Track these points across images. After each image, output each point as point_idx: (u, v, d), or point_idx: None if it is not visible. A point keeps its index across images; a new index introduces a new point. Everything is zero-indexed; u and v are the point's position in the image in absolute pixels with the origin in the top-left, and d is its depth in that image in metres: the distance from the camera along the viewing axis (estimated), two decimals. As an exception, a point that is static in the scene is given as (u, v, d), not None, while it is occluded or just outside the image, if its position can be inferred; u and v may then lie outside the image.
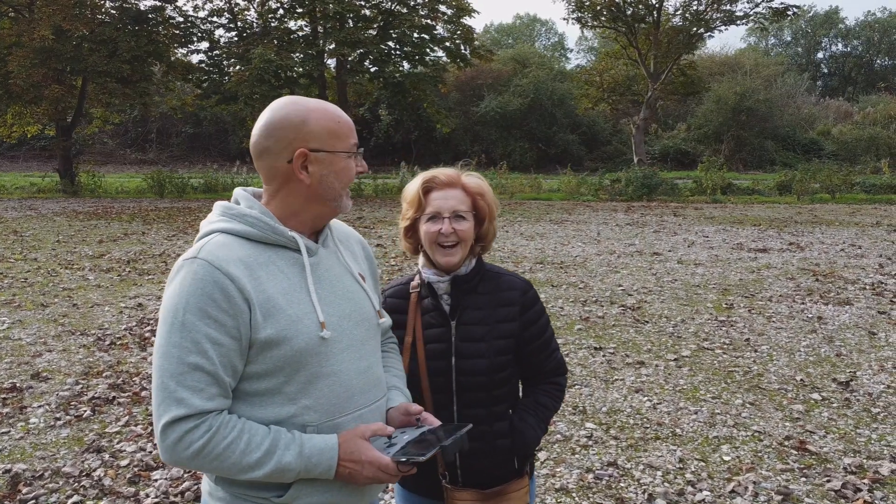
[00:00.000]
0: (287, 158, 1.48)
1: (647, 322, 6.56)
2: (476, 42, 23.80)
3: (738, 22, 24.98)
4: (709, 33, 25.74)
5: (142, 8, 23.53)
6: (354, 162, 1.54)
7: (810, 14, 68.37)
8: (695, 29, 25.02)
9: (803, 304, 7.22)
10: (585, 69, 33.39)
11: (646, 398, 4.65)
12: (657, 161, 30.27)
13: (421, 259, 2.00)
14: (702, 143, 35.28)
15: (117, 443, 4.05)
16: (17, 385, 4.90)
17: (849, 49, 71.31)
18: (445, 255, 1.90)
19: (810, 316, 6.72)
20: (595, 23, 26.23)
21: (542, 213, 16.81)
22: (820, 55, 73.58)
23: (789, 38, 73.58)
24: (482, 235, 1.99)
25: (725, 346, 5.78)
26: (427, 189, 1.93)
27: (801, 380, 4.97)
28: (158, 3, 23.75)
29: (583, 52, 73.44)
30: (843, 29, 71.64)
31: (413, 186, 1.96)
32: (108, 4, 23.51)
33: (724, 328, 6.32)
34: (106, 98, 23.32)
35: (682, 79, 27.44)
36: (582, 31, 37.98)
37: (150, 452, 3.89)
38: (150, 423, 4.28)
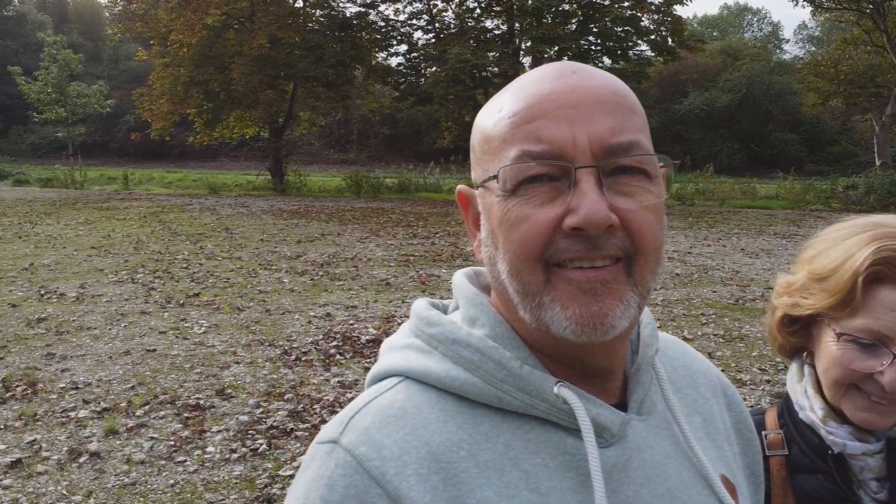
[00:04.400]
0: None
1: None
2: (686, 32, 21.74)
3: None
4: None
5: (347, 14, 24.55)
6: (534, 203, 0.61)
7: None
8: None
9: None
10: (815, 59, 29.43)
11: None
12: (900, 164, 25.86)
13: (810, 389, 1.01)
14: (958, 143, 29.76)
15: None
16: (201, 403, 4.62)
17: None
18: (874, 412, 0.91)
19: None
20: (833, 3, 22.75)
21: (763, 224, 14.70)
22: None
23: None
24: None
25: None
26: (875, 277, 0.90)
27: None
28: (362, 10, 24.64)
29: (801, 42, 66.38)
30: None
31: (852, 264, 0.91)
32: (317, 13, 24.84)
33: None
34: (312, 101, 24.63)
35: (940, 67, 23.03)
36: (813, 16, 33.59)
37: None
38: (327, 470, 3.72)
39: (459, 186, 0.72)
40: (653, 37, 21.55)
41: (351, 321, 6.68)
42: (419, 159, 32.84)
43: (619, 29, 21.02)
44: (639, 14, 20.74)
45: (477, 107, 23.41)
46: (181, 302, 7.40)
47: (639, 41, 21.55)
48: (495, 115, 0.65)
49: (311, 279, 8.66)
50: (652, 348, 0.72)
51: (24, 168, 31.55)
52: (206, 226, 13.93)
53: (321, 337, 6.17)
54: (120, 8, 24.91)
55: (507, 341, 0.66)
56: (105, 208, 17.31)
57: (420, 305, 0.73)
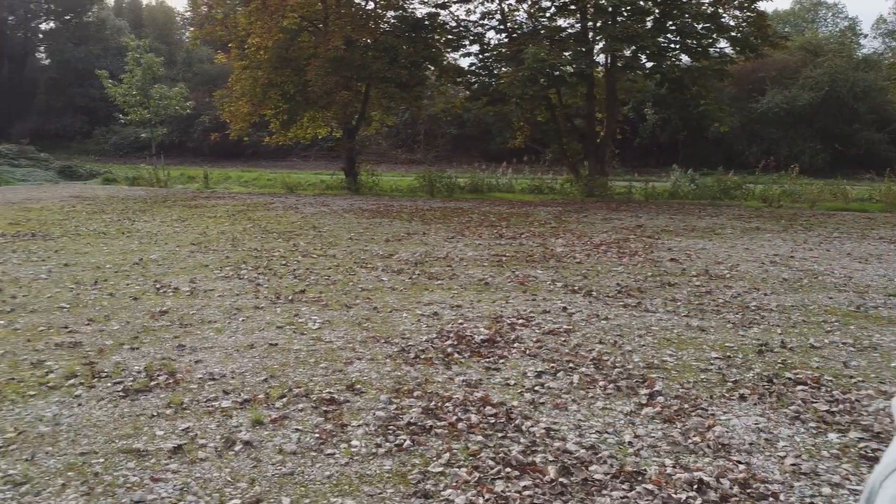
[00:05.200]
0: None
1: None
2: (769, 29, 20.99)
3: None
4: None
5: (419, 16, 24.73)
6: None
7: None
8: None
9: None
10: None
11: None
12: None
13: None
14: None
15: (443, 488, 3.56)
16: (336, 397, 4.73)
17: None
18: None
19: None
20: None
21: (864, 227, 14.08)
22: None
23: None
24: None
25: None
26: None
27: None
28: (434, 10, 24.77)
29: (880, 37, 63.31)
30: None
31: None
32: (389, 14, 25.11)
33: None
34: (386, 102, 24.89)
35: None
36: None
37: (487, 512, 3.32)
38: (475, 468, 3.75)
39: None
40: (734, 33, 20.90)
41: (460, 320, 6.72)
42: (487, 159, 32.82)
43: (700, 26, 20.47)
44: (720, 10, 20.14)
45: (550, 107, 23.32)
46: (290, 298, 7.60)
47: (719, 38, 20.93)
48: None
49: (410, 278, 8.75)
50: None
51: (109, 167, 33.02)
52: (294, 224, 14.27)
53: (434, 335, 6.22)
54: (191, 12, 25.77)
55: None
56: (193, 206, 17.93)
57: None
